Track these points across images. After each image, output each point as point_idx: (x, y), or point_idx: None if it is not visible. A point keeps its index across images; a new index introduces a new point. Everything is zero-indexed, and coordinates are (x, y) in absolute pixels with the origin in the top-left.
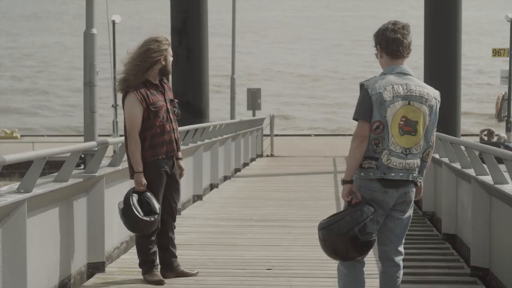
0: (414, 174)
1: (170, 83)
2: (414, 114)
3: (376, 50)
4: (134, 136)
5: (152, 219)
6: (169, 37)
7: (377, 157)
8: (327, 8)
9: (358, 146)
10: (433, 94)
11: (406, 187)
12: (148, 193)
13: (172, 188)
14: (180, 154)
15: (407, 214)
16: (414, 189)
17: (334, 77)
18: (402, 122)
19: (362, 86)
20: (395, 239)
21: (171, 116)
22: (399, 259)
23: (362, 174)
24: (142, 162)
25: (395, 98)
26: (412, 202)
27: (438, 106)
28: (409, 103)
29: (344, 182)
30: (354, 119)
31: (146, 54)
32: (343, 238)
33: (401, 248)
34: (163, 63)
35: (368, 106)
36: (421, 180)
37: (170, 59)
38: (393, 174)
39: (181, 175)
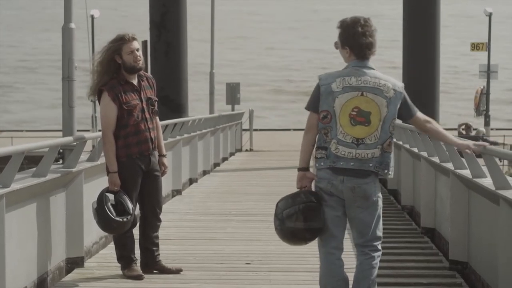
0: (371, 164)
1: None
2: (367, 105)
3: (340, 42)
4: (109, 136)
5: (125, 219)
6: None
7: (327, 147)
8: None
9: (305, 134)
10: (393, 86)
11: (358, 179)
12: (122, 193)
13: (151, 185)
14: (164, 151)
15: (369, 210)
16: (374, 184)
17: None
18: (354, 113)
19: (318, 78)
20: (361, 232)
21: (147, 115)
22: (367, 251)
23: (316, 164)
24: (116, 160)
25: (344, 89)
26: (372, 197)
27: (401, 97)
28: (362, 94)
29: (298, 169)
30: (305, 108)
31: (99, 55)
32: (275, 221)
33: (370, 241)
34: (119, 61)
35: (316, 97)
36: (387, 171)
37: (128, 57)
38: (342, 163)
39: (163, 173)
